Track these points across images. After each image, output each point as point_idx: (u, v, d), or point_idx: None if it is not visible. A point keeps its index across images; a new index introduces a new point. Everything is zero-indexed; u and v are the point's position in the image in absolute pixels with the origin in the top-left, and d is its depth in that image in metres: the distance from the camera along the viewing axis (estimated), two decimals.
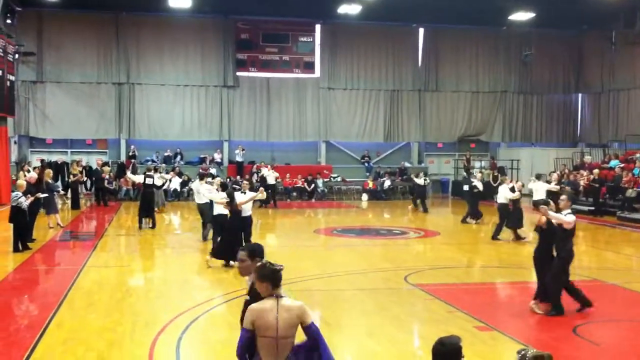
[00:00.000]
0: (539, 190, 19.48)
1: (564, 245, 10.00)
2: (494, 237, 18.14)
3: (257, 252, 5.14)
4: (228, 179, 29.27)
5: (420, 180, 25.87)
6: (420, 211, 25.47)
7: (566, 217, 9.88)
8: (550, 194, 18.68)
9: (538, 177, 20.90)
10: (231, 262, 13.12)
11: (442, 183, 34.16)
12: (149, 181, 20.06)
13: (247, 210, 14.26)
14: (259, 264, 4.87)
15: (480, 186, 22.04)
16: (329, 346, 4.75)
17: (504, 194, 18.38)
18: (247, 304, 4.89)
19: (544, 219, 10.08)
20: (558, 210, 10.23)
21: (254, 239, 14.28)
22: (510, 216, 18.13)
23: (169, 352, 8.09)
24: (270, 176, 27.37)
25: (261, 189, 16.17)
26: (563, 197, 10.43)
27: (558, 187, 20.47)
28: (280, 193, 30.61)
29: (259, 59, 32.27)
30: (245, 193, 14.49)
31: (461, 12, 30.16)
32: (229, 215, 14.08)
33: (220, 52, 32.08)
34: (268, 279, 4.67)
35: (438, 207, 29.23)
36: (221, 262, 13.60)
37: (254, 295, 4.84)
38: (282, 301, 4.64)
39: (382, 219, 24.41)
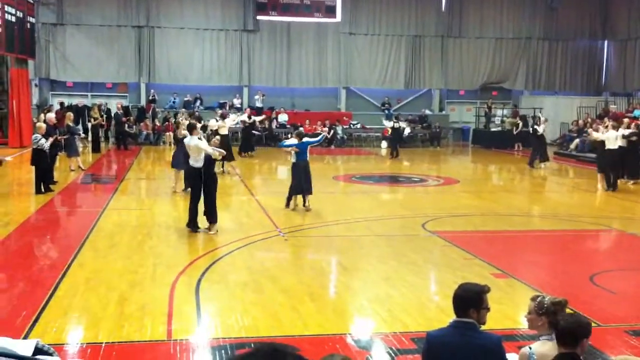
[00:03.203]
0: (610, 138, 17.95)
1: None
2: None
3: None
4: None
5: (389, 123, 25.86)
6: (394, 157, 25.35)
7: None
8: (628, 141, 18.16)
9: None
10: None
11: (464, 131, 33.88)
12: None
13: (199, 160, 11.78)
14: None
15: (540, 129, 22.50)
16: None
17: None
18: None
19: None
20: None
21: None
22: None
23: (188, 293, 8.22)
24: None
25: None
26: None
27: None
28: None
29: (280, 3, 31.76)
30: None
31: None
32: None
33: None
34: None
35: (458, 155, 29.12)
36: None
37: None
38: None
39: (401, 166, 24.36)
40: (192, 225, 11.72)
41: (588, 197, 17.45)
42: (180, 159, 15.85)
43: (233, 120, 21.77)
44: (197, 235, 11.53)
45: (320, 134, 17.73)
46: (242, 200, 15.72)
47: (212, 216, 11.69)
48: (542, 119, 23.72)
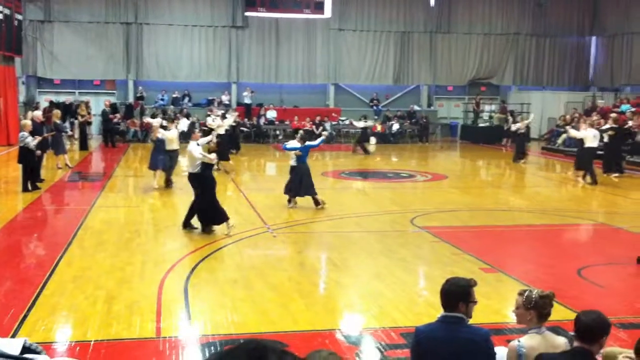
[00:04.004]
0: (589, 136, 18.13)
1: None
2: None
3: None
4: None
5: (360, 123, 26.32)
6: (361, 153, 25.65)
7: None
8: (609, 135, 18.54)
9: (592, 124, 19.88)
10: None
11: (452, 127, 33.96)
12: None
13: (196, 166, 11.82)
14: None
15: (514, 127, 23.21)
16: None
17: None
18: None
19: None
20: None
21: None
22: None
23: (177, 291, 8.20)
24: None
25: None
26: None
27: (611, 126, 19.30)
28: (288, 136, 30.62)
29: None
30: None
31: None
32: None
33: None
34: None
35: (447, 151, 29.16)
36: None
37: None
38: None
39: (390, 162, 24.39)
40: (188, 225, 11.70)
41: (575, 191, 17.55)
42: (157, 159, 16.04)
43: (230, 120, 21.84)
44: (186, 233, 11.50)
45: (320, 135, 17.94)
46: (230, 197, 15.69)
47: (214, 218, 11.54)
48: (519, 117, 23.95)
